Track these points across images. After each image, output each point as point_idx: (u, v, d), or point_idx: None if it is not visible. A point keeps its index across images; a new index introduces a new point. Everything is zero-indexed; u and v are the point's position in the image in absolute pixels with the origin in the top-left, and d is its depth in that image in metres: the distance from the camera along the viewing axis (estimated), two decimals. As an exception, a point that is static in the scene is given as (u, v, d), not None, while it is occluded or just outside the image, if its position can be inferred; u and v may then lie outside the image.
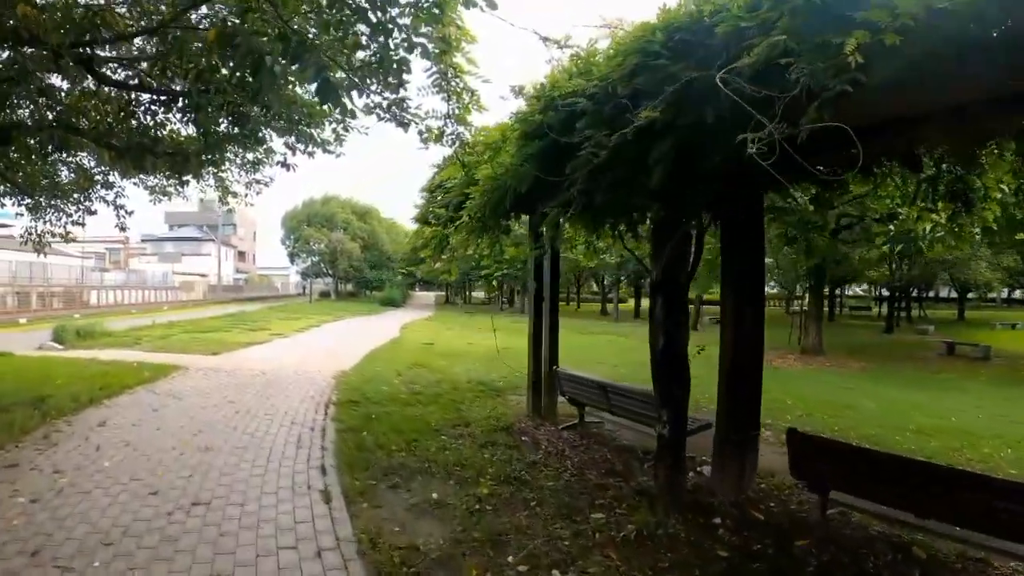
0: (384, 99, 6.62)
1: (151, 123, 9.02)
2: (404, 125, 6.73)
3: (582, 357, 18.00)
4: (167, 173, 11.19)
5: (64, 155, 10.42)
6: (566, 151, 5.13)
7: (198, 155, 9.30)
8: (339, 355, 17.65)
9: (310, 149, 9.54)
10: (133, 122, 8.96)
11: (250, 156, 11.10)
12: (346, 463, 7.05)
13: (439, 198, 9.97)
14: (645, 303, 56.27)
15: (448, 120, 6.76)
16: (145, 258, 78.94)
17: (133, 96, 8.84)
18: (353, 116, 7.42)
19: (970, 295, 57.05)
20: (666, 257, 5.88)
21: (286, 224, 76.69)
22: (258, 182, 12.18)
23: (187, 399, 10.71)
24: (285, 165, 9.69)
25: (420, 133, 6.93)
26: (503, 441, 8.21)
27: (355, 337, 24.31)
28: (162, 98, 8.51)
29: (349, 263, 71.18)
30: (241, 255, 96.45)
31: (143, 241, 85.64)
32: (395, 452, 7.55)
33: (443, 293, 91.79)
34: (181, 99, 7.93)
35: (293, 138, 9.38)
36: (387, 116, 6.76)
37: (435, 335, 26.44)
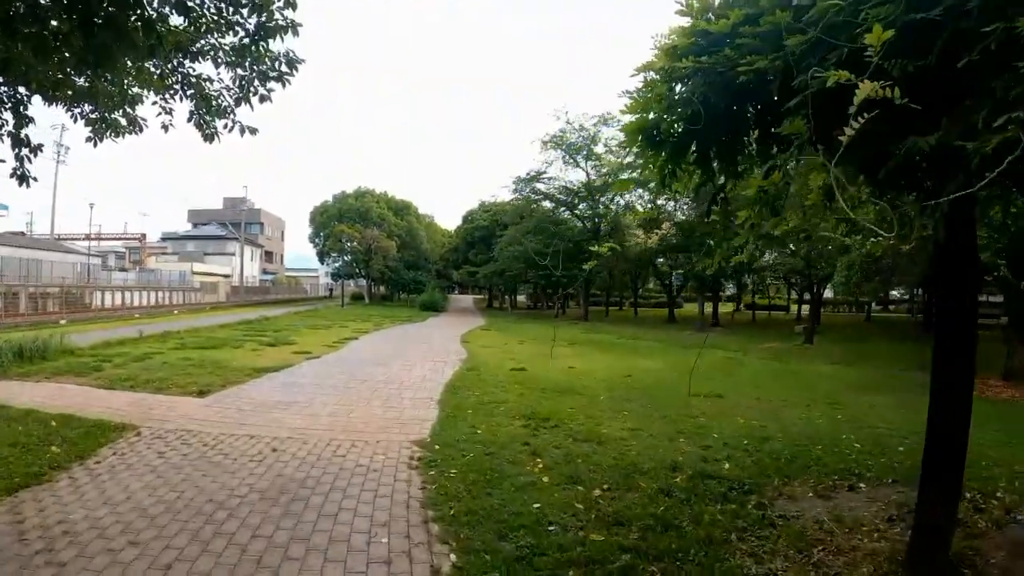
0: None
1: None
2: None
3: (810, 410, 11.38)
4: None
5: None
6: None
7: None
8: (401, 396, 11.16)
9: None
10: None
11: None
12: None
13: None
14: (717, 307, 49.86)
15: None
16: (165, 257, 73.77)
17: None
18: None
19: None
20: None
21: (315, 220, 70.77)
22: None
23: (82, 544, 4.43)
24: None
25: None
26: None
27: (410, 356, 17.81)
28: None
29: (384, 263, 65.02)
30: (268, 255, 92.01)
31: (163, 239, 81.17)
32: None
33: (481, 297, 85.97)
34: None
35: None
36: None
37: (512, 353, 19.91)
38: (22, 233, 58.59)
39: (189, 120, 6.95)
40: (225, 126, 7.06)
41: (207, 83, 6.86)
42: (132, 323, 29.19)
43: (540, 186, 48.65)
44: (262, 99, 6.76)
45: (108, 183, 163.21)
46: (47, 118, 34.01)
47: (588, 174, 46.40)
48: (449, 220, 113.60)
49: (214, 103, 6.89)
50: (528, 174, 47.90)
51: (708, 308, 46.64)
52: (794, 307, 56.34)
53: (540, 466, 6.86)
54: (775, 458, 7.36)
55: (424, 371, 14.59)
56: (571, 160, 46.51)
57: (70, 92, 6.44)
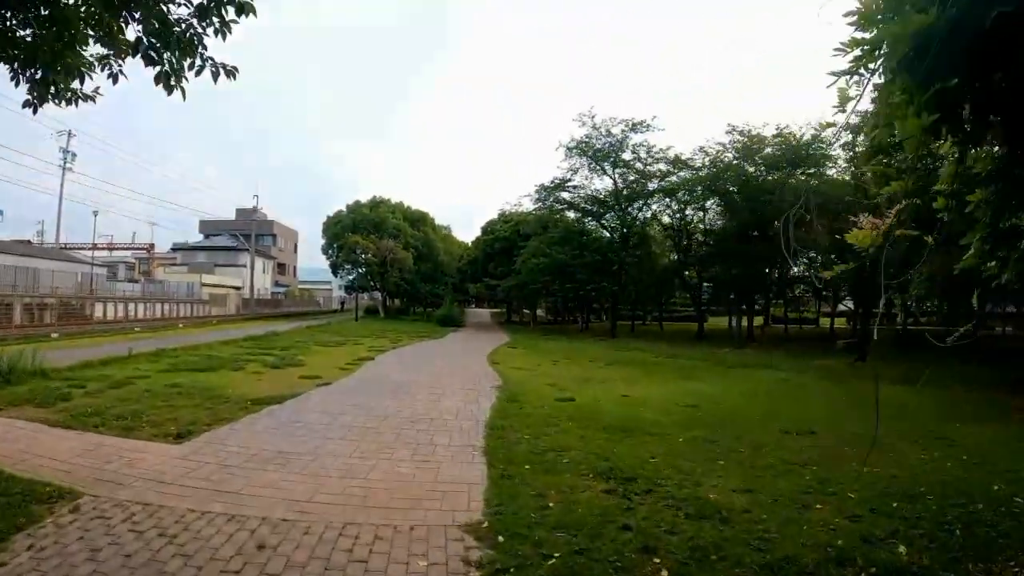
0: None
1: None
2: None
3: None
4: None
5: None
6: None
7: None
8: (433, 442, 8.70)
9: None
10: None
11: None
12: None
13: None
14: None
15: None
16: (175, 268, 71.71)
17: None
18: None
19: None
20: None
21: (328, 231, 68.56)
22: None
23: None
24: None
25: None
26: None
27: (435, 382, 15.34)
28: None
29: (400, 276, 62.75)
30: (281, 267, 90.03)
31: (173, 250, 79.21)
32: None
33: (499, 311, 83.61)
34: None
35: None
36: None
37: (550, 376, 17.49)
38: (28, 242, 56.64)
39: (137, 53, 4.71)
40: (191, 66, 4.85)
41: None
42: (129, 338, 26.90)
43: (564, 195, 46.58)
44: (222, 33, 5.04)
45: (117, 192, 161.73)
46: (51, 122, 31.99)
47: (616, 182, 44.15)
48: (464, 233, 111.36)
49: (174, 29, 4.66)
50: (552, 182, 45.86)
51: (736, 321, 44.64)
52: (824, 320, 54.19)
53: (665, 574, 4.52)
54: (945, 529, 5.72)
55: (456, 403, 12.16)
56: (597, 167, 44.36)
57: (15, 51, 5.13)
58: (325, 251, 69.99)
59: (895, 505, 6.33)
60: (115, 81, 5.56)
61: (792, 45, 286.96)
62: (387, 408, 11.31)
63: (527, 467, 7.40)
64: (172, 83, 5.09)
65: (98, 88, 5.79)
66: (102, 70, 5.51)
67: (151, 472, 6.80)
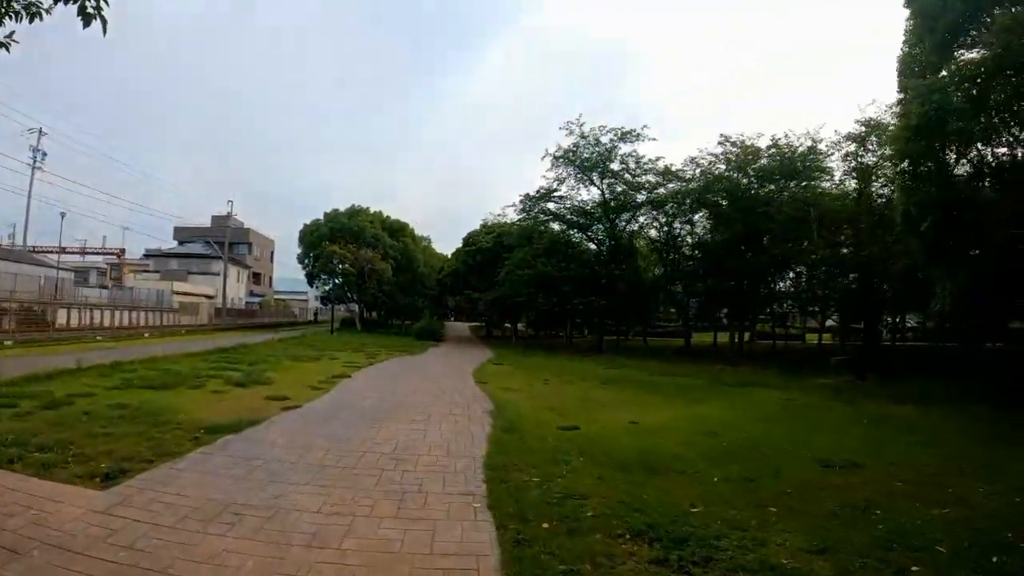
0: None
1: None
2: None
3: None
4: None
5: None
6: None
7: None
8: (423, 489, 7.10)
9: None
10: None
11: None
12: None
13: None
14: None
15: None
16: (146, 275, 69.42)
17: None
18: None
19: None
20: None
21: (305, 239, 66.68)
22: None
23: None
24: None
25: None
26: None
27: (420, 406, 13.72)
28: None
29: (379, 287, 61.04)
30: (256, 277, 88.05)
31: (146, 256, 76.91)
32: None
33: (479, 324, 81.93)
34: None
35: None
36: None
37: (544, 398, 16.10)
38: (-6, 244, 54.30)
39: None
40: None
41: None
42: (89, 347, 25.17)
43: (550, 205, 45.33)
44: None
45: (95, 196, 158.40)
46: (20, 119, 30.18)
47: (603, 193, 42.88)
48: (444, 245, 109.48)
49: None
50: (538, 191, 44.52)
51: (723, 338, 43.67)
52: (810, 336, 53.45)
53: None
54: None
55: (445, 433, 10.56)
56: (584, 178, 43.10)
57: None
58: (301, 260, 68.16)
59: (995, 560, 5.43)
60: (32, 20, 5.20)
61: (792, 45, 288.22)
62: (365, 440, 9.65)
63: (545, 525, 5.87)
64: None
65: (12, 33, 5.31)
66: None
67: (60, 533, 5.22)
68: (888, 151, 25.66)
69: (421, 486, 7.20)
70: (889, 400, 17.33)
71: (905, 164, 17.94)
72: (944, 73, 16.62)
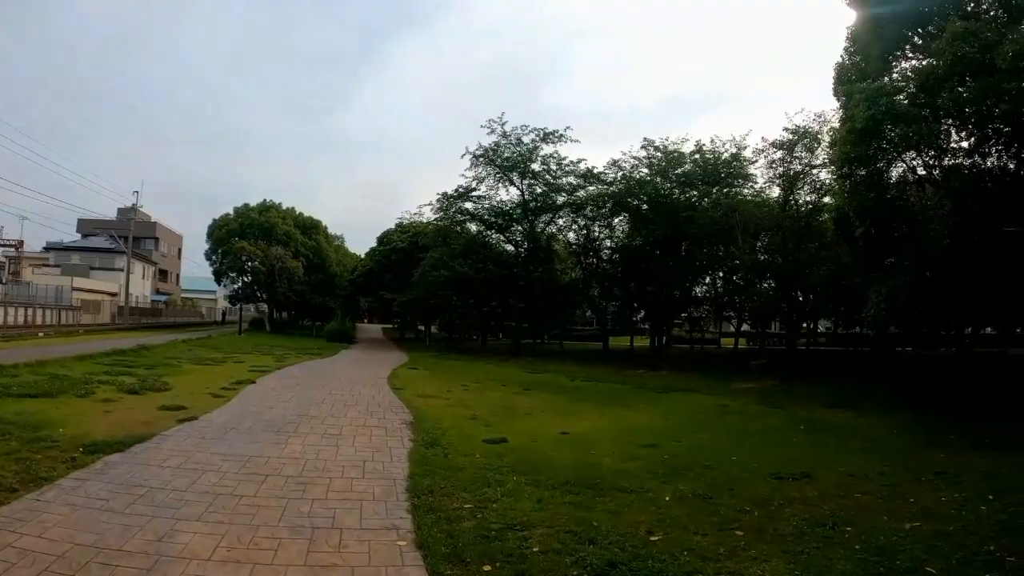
0: None
1: None
2: None
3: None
4: None
5: None
6: None
7: None
8: (337, 522, 6.17)
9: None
10: None
11: None
12: None
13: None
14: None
15: None
16: (47, 269, 65.08)
17: None
18: None
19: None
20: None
21: (213, 235, 63.95)
22: None
23: None
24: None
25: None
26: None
27: (331, 415, 12.80)
28: None
29: (290, 286, 58.95)
30: (163, 274, 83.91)
31: (47, 249, 72.08)
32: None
33: (391, 326, 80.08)
34: None
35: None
36: None
37: (466, 405, 15.32)
38: None
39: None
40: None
41: None
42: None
43: (468, 205, 44.51)
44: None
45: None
46: None
47: (523, 193, 42.25)
48: (357, 245, 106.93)
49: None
50: (456, 190, 43.54)
51: (639, 341, 43.55)
52: (726, 341, 53.94)
53: None
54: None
55: (360, 449, 9.61)
56: (504, 178, 42.36)
57: None
58: (208, 257, 65.33)
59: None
60: None
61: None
62: (269, 460, 8.61)
63: (487, 568, 5.00)
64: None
65: None
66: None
67: None
68: (821, 158, 25.92)
69: (334, 519, 6.21)
70: (819, 404, 17.19)
71: (845, 169, 17.83)
72: (887, 80, 16.72)
